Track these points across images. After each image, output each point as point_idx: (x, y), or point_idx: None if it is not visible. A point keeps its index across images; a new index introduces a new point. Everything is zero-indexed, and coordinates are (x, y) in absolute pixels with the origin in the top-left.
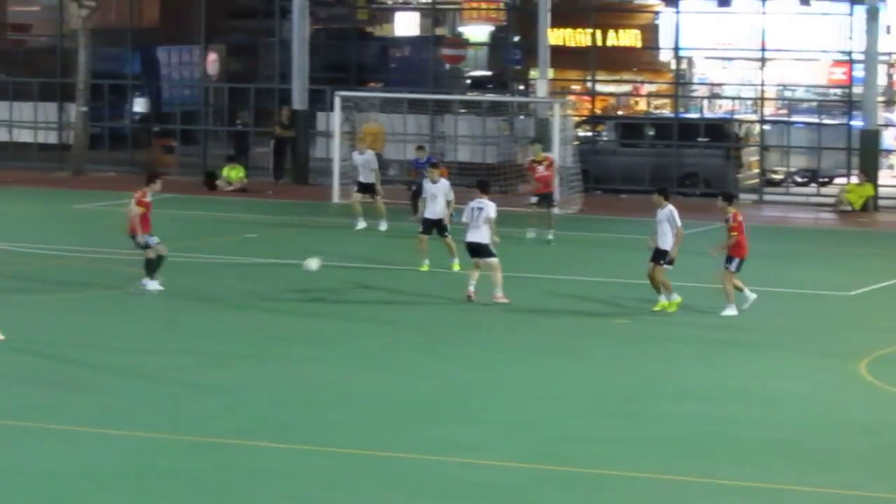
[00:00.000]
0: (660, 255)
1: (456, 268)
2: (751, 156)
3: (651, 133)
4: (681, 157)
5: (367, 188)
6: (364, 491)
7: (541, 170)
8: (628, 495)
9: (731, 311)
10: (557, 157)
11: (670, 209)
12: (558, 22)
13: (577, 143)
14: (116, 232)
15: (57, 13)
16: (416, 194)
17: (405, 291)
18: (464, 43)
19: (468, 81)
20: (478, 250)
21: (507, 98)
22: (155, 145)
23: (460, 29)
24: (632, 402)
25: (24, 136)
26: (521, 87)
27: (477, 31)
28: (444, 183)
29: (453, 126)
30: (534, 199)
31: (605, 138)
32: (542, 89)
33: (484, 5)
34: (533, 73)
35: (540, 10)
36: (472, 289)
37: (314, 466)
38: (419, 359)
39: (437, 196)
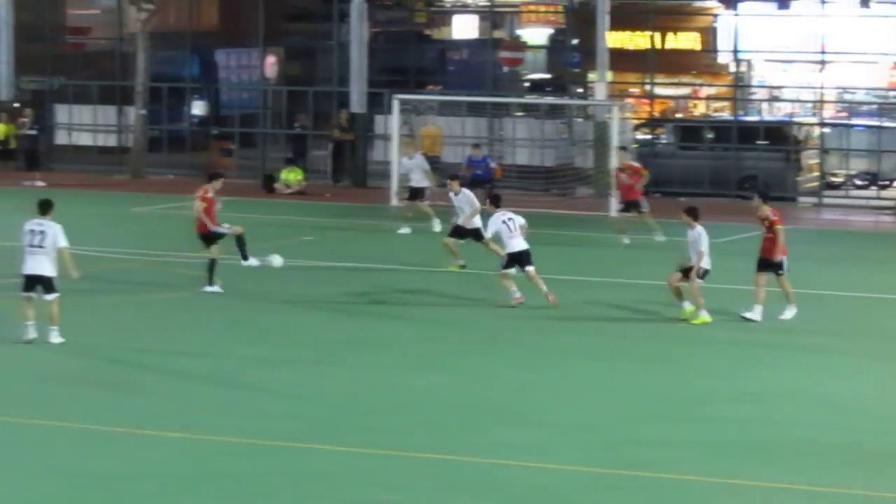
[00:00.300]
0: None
1: (453, 268)
2: (810, 159)
3: (710, 136)
4: (740, 161)
5: (416, 193)
6: (423, 495)
7: (623, 178)
8: (690, 499)
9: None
10: (615, 161)
11: (699, 232)
12: (617, 25)
13: (635, 146)
14: (175, 234)
15: (116, 16)
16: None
17: (459, 295)
18: (522, 46)
19: (526, 84)
20: (523, 257)
21: (565, 101)
22: (213, 148)
23: (519, 32)
24: (691, 406)
25: (84, 139)
26: (580, 90)
27: (535, 34)
28: (465, 193)
29: (511, 129)
30: (620, 206)
31: (663, 141)
32: (600, 92)
33: (542, 8)
34: (591, 76)
35: (598, 12)
36: (518, 294)
37: (373, 470)
38: (476, 361)
39: (464, 208)
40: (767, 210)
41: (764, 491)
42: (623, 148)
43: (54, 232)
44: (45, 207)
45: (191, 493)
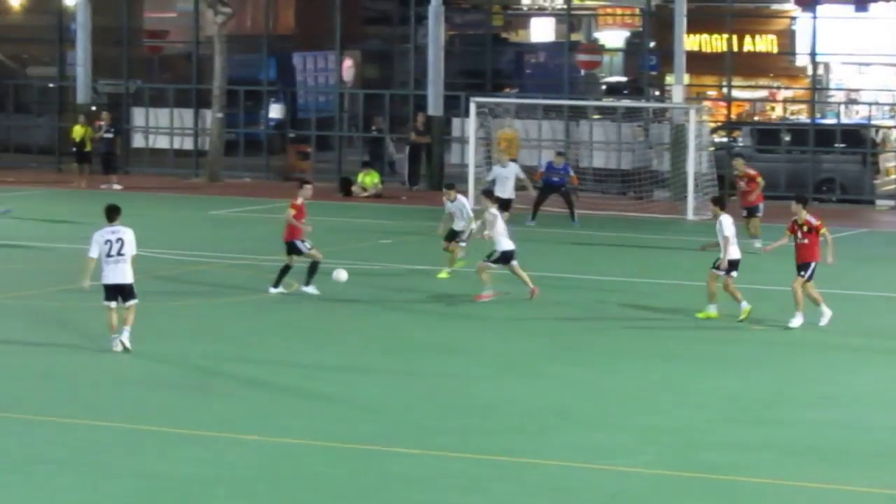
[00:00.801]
0: (732, 266)
1: (444, 275)
2: (888, 161)
3: (787, 139)
4: (817, 163)
5: (507, 204)
6: (500, 498)
7: (741, 185)
8: (767, 503)
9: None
10: (692, 163)
11: (721, 221)
12: (694, 27)
13: (712, 148)
14: (252, 238)
15: (193, 20)
16: (539, 199)
17: (531, 299)
18: (599, 48)
19: (603, 87)
20: (512, 256)
21: (642, 104)
22: (290, 151)
23: (596, 35)
24: (765, 409)
25: (161, 142)
26: (657, 93)
27: (612, 37)
28: (460, 200)
29: (588, 132)
30: (743, 213)
31: (741, 144)
32: (677, 95)
33: (620, 11)
34: (669, 79)
35: (676, 15)
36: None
37: (451, 473)
38: (551, 364)
39: (456, 214)
40: (804, 216)
41: (841, 494)
42: (739, 155)
43: (129, 238)
44: (113, 213)
45: (269, 496)
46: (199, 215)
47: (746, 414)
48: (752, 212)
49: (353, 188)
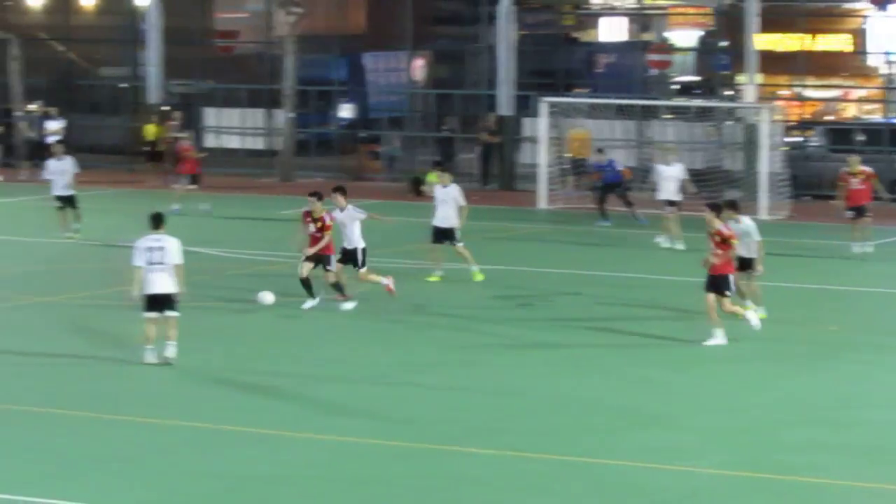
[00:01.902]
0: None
1: (478, 277)
2: None
3: (861, 138)
4: (892, 163)
5: (676, 203)
6: (571, 499)
7: (855, 182)
8: None
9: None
10: (766, 163)
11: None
12: (767, 27)
13: (785, 148)
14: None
15: (264, 20)
16: (601, 198)
17: (605, 298)
18: (671, 48)
19: (675, 87)
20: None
21: (714, 103)
22: (361, 151)
23: (667, 34)
24: (836, 410)
25: (232, 142)
26: (729, 93)
27: (684, 37)
28: (453, 188)
29: (660, 131)
30: (849, 213)
31: (814, 144)
32: (749, 94)
33: (691, 10)
34: (741, 78)
35: (748, 14)
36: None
37: (521, 473)
38: (621, 363)
39: (447, 202)
40: (718, 224)
41: None
42: (855, 152)
43: (172, 246)
44: (158, 221)
45: (335, 496)
46: (270, 215)
47: (816, 414)
48: (860, 211)
49: (424, 188)
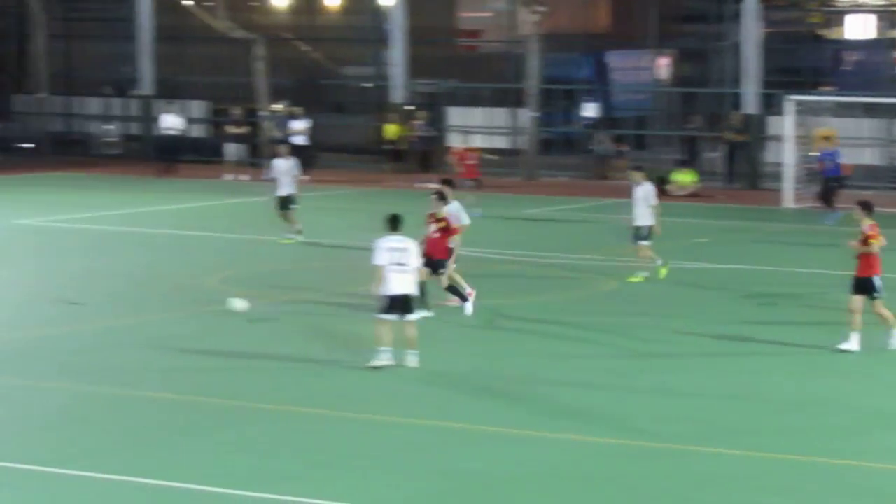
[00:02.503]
0: None
1: (663, 272)
2: None
3: None
4: None
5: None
6: (808, 499)
7: None
8: None
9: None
10: None
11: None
12: None
13: None
14: (566, 237)
15: (508, 19)
16: (825, 191)
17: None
18: None
19: None
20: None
21: None
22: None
23: None
24: None
25: (476, 141)
26: None
27: None
28: (643, 187)
29: None
30: None
31: None
32: None
33: None
34: None
35: None
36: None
37: (758, 473)
38: (866, 363)
39: (639, 201)
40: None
41: None
42: None
43: (414, 249)
44: (396, 223)
45: (577, 495)
46: (514, 214)
47: None
48: None
49: (669, 186)
